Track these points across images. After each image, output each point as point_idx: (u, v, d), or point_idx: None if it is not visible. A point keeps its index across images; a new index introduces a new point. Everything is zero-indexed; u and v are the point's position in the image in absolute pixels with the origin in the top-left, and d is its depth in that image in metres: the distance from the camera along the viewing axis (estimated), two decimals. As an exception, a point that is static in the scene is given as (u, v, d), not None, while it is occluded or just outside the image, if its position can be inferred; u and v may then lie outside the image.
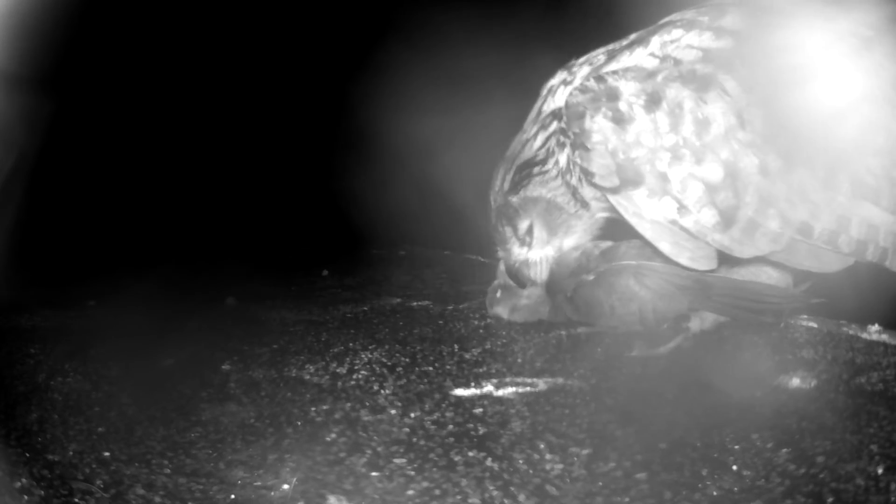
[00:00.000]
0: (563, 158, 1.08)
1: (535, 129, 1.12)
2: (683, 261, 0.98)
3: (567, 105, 1.01)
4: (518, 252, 1.19)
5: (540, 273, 1.20)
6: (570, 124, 1.00)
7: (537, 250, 1.19)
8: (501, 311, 1.28)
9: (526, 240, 1.18)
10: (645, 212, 0.97)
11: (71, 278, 1.92)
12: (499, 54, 1.92)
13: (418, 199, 1.88)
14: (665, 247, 0.98)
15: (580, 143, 0.99)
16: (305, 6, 2.48)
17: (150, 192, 2.37)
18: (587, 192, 1.09)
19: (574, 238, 1.17)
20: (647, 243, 1.12)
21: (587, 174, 1.01)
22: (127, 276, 1.83)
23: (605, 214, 1.14)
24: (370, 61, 2.32)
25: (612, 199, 1.00)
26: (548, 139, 1.09)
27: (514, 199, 1.15)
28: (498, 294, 1.28)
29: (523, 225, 1.17)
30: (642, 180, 0.96)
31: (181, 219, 2.34)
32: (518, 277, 1.22)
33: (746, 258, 0.98)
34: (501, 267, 1.28)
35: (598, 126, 0.97)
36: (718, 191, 0.93)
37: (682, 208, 0.95)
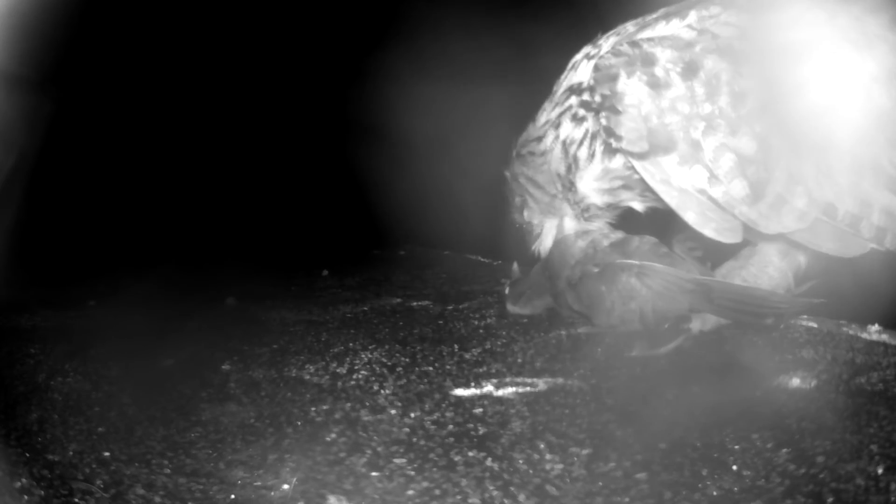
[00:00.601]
0: (576, 132, 1.08)
1: (549, 105, 1.12)
2: (708, 232, 0.98)
3: (597, 68, 0.99)
4: (519, 220, 1.24)
5: (540, 244, 1.22)
6: (600, 86, 0.98)
7: (533, 222, 1.22)
8: (512, 305, 1.30)
9: (521, 212, 1.23)
10: (673, 179, 0.96)
11: (71, 278, 1.92)
12: (502, 55, 1.93)
13: (419, 199, 1.88)
14: (691, 217, 0.98)
15: (610, 106, 0.98)
16: (304, 5, 2.48)
17: (151, 192, 2.36)
18: (593, 169, 1.08)
19: (571, 220, 1.18)
20: (660, 242, 1.12)
21: (613, 137, 0.99)
22: (127, 276, 1.83)
23: (597, 200, 1.13)
24: (371, 62, 2.32)
25: (639, 165, 0.99)
26: (559, 115, 1.09)
27: (508, 175, 1.21)
28: (507, 290, 1.31)
29: (517, 200, 1.22)
30: (675, 147, 0.95)
31: (181, 219, 2.34)
32: (521, 240, 1.26)
33: (771, 234, 0.97)
34: (515, 266, 1.32)
35: (633, 89, 0.96)
36: (750, 163, 0.93)
37: (712, 178, 0.95)
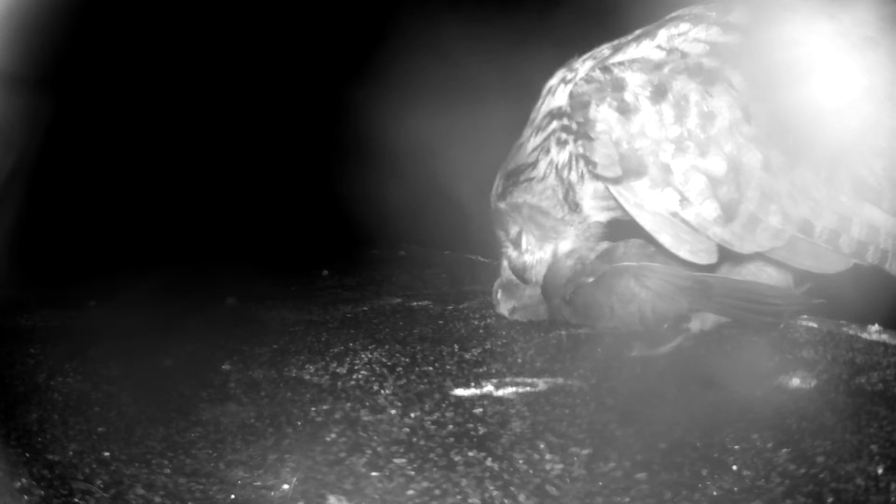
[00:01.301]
0: (562, 156, 1.08)
1: (529, 131, 1.12)
2: (683, 254, 0.98)
3: (572, 95, 1.00)
4: (514, 255, 1.21)
5: (537, 275, 1.20)
6: (574, 114, 1.00)
7: (532, 254, 1.19)
8: (504, 310, 1.28)
9: (519, 243, 1.19)
10: (646, 203, 0.97)
11: (71, 278, 1.92)
12: (497, 53, 1.93)
13: (418, 200, 1.88)
14: (665, 239, 0.98)
15: (583, 133, 0.99)
16: (304, 7, 2.48)
17: (150, 192, 2.37)
18: (587, 188, 1.08)
19: (569, 243, 1.17)
20: (646, 242, 1.12)
21: (589, 164, 1.00)
22: (127, 276, 1.83)
23: (600, 217, 1.13)
24: (369, 62, 2.32)
25: (614, 189, 1.00)
26: (545, 140, 1.09)
27: (503, 206, 1.16)
28: (499, 294, 1.29)
29: (513, 230, 1.18)
30: (645, 171, 0.96)
31: (181, 219, 2.34)
32: (519, 276, 1.23)
33: (746, 254, 0.97)
34: (504, 263, 1.28)
35: (603, 115, 0.97)
36: (721, 184, 0.93)
37: (683, 200, 0.95)
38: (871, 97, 0.93)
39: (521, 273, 1.21)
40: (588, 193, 1.09)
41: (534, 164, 1.11)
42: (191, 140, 2.47)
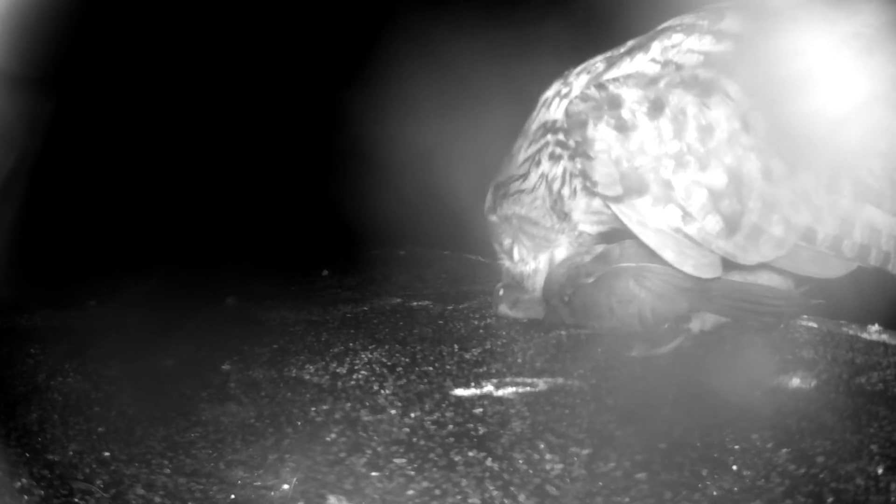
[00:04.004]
0: (555, 170, 1.08)
1: (521, 142, 1.12)
2: (688, 269, 0.98)
3: (568, 114, 0.99)
4: (510, 265, 1.22)
5: (535, 285, 1.21)
6: (572, 133, 0.99)
7: (527, 264, 1.20)
8: (505, 308, 1.28)
9: (513, 255, 1.20)
10: (649, 220, 0.96)
11: (71, 278, 1.92)
12: (499, 56, 1.93)
13: (418, 200, 1.88)
14: (669, 255, 0.97)
15: (582, 152, 0.98)
16: (305, 9, 2.48)
17: (150, 192, 2.37)
18: (579, 203, 1.08)
19: (563, 250, 1.17)
20: (641, 242, 1.12)
21: (589, 182, 1.00)
22: (127, 276, 1.83)
23: (590, 229, 1.14)
24: (370, 63, 2.32)
25: (615, 208, 0.99)
26: (537, 152, 1.09)
27: (494, 218, 1.18)
28: (501, 293, 1.29)
29: (506, 242, 1.19)
30: (646, 189, 0.95)
31: (181, 219, 2.34)
32: (519, 285, 1.24)
33: (750, 265, 0.97)
34: (506, 263, 1.29)
35: (601, 134, 0.96)
36: (723, 197, 0.92)
37: (686, 216, 0.94)
38: (868, 100, 0.93)
39: (519, 283, 1.23)
40: (580, 207, 1.09)
41: (524, 176, 1.11)
42: (190, 140, 2.47)
